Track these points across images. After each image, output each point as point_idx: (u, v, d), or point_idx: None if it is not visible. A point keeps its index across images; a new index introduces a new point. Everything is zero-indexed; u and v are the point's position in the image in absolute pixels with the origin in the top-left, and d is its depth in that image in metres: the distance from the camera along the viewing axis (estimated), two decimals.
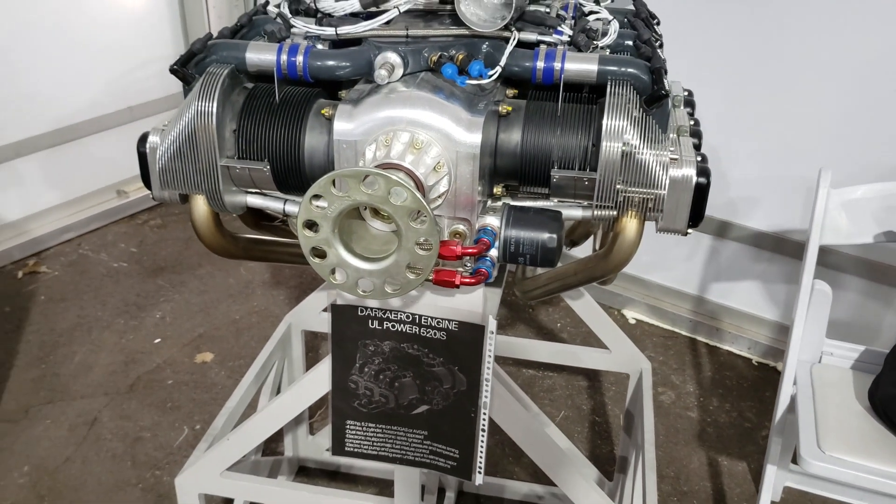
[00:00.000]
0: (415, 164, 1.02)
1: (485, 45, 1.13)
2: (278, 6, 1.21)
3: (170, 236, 3.27)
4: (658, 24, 1.43)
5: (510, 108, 1.11)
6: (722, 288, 2.70)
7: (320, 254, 1.00)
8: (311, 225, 0.98)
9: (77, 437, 2.21)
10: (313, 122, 1.11)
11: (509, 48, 1.10)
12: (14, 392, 2.36)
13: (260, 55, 1.12)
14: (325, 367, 1.30)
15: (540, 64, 1.10)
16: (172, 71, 1.11)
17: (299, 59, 1.10)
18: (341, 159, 1.08)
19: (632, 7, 1.44)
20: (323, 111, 1.10)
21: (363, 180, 0.93)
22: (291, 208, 1.19)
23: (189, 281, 2.97)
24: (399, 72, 1.09)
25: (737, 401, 2.46)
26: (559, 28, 1.15)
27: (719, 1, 2.29)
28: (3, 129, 2.95)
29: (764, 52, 2.28)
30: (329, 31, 1.11)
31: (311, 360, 2.30)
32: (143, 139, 1.15)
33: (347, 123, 1.07)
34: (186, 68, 1.12)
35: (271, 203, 1.19)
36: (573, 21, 1.23)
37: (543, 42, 1.14)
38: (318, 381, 1.33)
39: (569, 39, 1.15)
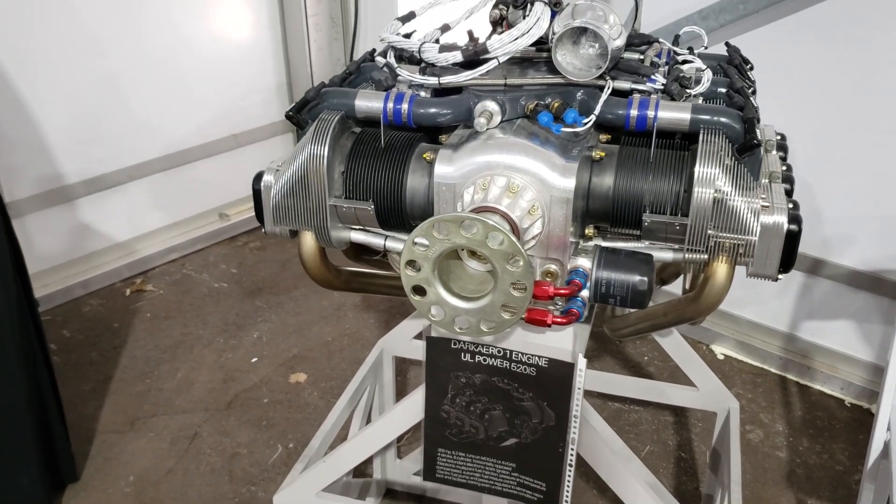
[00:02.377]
0: (510, 208, 1.08)
1: (580, 94, 1.17)
2: (385, 54, 1.28)
3: (268, 258, 3.40)
4: (751, 69, 1.45)
5: (603, 154, 1.15)
6: (814, 326, 2.64)
7: (420, 291, 1.06)
8: (413, 264, 1.04)
9: (178, 451, 2.33)
10: (415, 165, 1.18)
11: (604, 97, 1.14)
12: (121, 405, 2.51)
13: (368, 103, 1.20)
14: (417, 397, 1.35)
15: (633, 112, 1.14)
16: (288, 117, 1.19)
17: (404, 106, 1.18)
18: (440, 201, 1.15)
19: (725, 53, 1.46)
20: (424, 155, 1.17)
21: (462, 224, 0.98)
22: (392, 244, 1.26)
23: (285, 302, 3.09)
24: (497, 119, 1.15)
25: (828, 442, 2.41)
26: (653, 76, 1.19)
27: (817, 39, 2.27)
28: (117, 156, 3.14)
29: (861, 88, 2.25)
30: (432, 80, 1.18)
31: (401, 384, 2.37)
32: (258, 177, 1.24)
33: (447, 167, 1.13)
34: (300, 114, 1.20)
35: (373, 239, 1.26)
36: (667, 69, 1.26)
37: (637, 90, 1.18)
38: (411, 410, 1.39)
39: (662, 87, 1.18)
